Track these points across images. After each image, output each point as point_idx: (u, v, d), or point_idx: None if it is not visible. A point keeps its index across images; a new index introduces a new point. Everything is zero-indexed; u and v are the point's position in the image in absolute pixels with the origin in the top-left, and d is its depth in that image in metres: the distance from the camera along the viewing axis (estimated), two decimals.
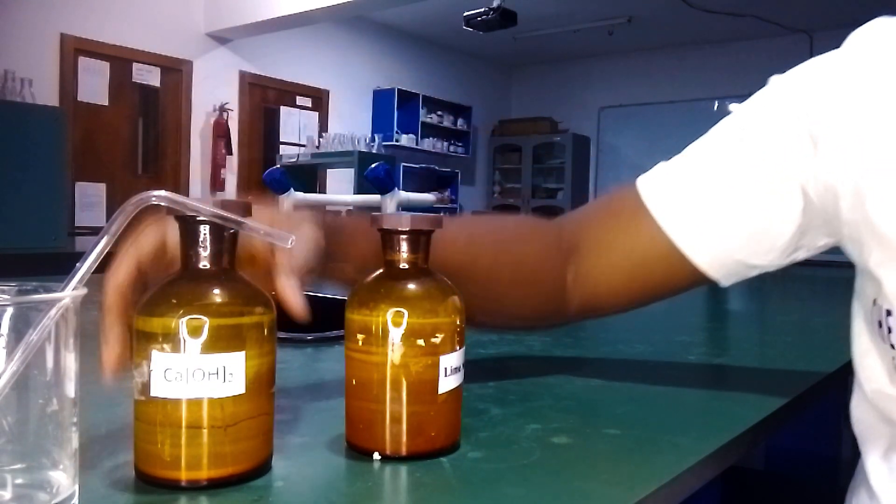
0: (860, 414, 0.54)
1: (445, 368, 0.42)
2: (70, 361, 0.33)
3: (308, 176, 4.73)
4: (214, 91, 5.91)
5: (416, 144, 7.50)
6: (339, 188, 5.97)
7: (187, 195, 0.37)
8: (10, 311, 0.30)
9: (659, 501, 0.40)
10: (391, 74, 7.39)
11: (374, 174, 2.71)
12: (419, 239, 0.44)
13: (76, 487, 0.33)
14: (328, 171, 6.09)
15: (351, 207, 3.26)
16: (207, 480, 0.37)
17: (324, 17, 5.56)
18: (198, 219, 0.38)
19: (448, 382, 0.42)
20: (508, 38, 7.03)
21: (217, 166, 5.98)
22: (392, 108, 7.30)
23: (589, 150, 8.36)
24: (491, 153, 8.76)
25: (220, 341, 0.36)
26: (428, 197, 3.30)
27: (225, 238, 0.39)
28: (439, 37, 7.56)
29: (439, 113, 7.90)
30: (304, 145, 6.00)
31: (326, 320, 0.70)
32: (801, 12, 6.29)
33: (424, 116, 7.65)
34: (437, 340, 0.42)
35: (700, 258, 0.58)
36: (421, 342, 0.41)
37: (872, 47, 0.51)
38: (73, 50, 5.08)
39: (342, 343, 0.44)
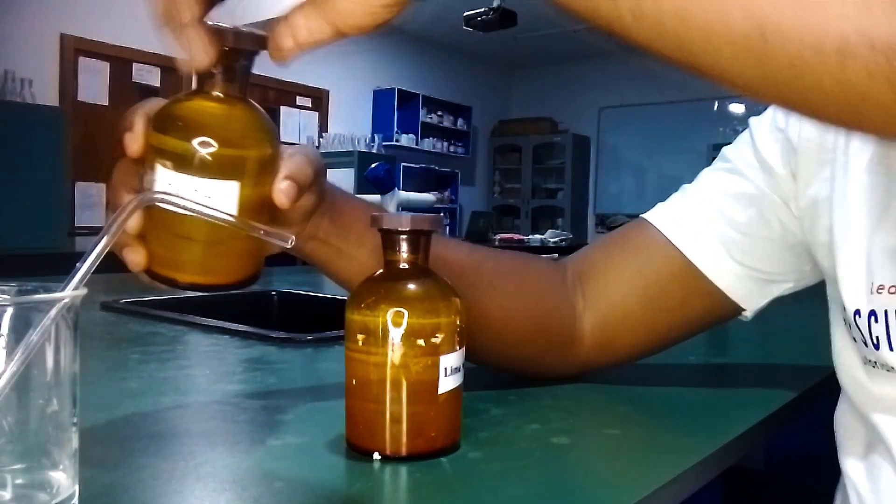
0: (841, 415, 0.56)
1: (445, 368, 0.42)
2: (70, 361, 0.33)
3: None
4: None
5: (416, 144, 7.50)
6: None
7: None
8: (10, 311, 0.30)
9: (659, 501, 0.40)
10: (391, 74, 7.38)
11: (374, 174, 2.71)
12: (419, 239, 0.44)
13: (76, 487, 0.33)
14: (328, 171, 6.07)
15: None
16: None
17: None
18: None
19: (448, 382, 0.42)
20: (508, 38, 7.02)
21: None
22: (392, 109, 7.29)
23: (589, 151, 8.35)
24: (491, 153, 8.75)
25: (215, 170, 0.39)
26: (428, 197, 3.30)
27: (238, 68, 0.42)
28: (439, 37, 7.56)
29: (439, 113, 7.89)
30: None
31: (326, 320, 0.70)
32: None
33: (424, 116, 7.64)
34: (437, 340, 0.42)
35: (716, 273, 0.58)
36: (421, 342, 0.41)
37: None
38: (73, 50, 5.08)
39: (342, 343, 0.44)
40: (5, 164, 2.90)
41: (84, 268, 0.33)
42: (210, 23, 0.39)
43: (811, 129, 0.54)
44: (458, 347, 0.43)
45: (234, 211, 0.40)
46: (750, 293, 0.59)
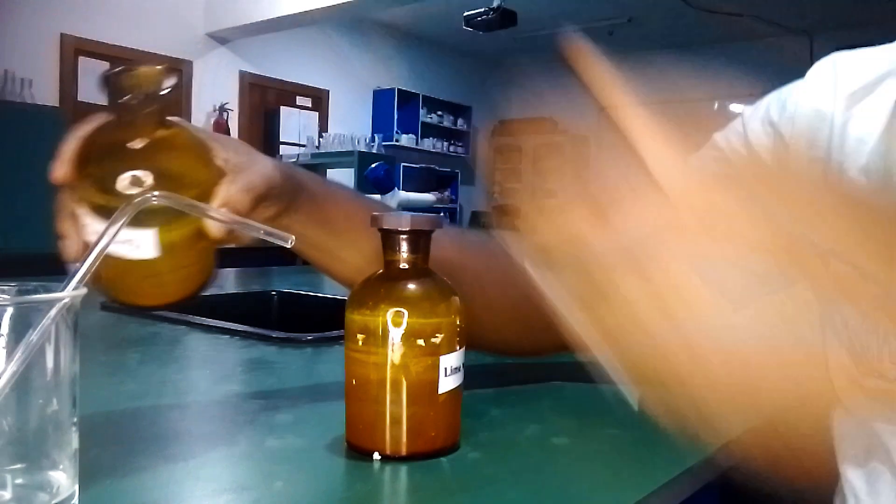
0: (837, 422, 0.55)
1: (445, 368, 0.42)
2: (70, 362, 0.33)
3: None
4: (214, 91, 5.90)
5: (416, 144, 7.49)
6: None
7: None
8: (10, 311, 0.30)
9: (658, 502, 0.40)
10: (391, 74, 7.38)
11: (374, 174, 2.72)
12: (419, 239, 0.44)
13: (76, 487, 0.33)
14: (328, 171, 6.09)
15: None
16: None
17: (324, 17, 5.56)
18: None
19: (448, 383, 0.42)
20: (508, 38, 7.03)
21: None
22: (392, 108, 7.29)
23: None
24: (491, 153, 8.75)
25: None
26: (428, 197, 3.30)
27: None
28: (439, 37, 7.56)
29: (439, 113, 7.89)
30: (304, 145, 6.00)
31: (326, 320, 0.69)
32: (801, 12, 6.29)
33: (424, 116, 7.64)
34: (437, 341, 0.42)
35: None
36: (421, 342, 0.41)
37: (828, 79, 0.54)
38: (73, 50, 5.08)
39: (342, 343, 0.44)
40: (5, 165, 2.90)
41: (84, 268, 0.33)
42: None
43: (803, 126, 0.54)
44: (458, 347, 0.43)
45: (157, 252, 0.41)
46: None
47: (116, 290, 0.45)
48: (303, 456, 0.43)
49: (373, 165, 2.74)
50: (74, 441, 0.33)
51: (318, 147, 5.42)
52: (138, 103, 0.40)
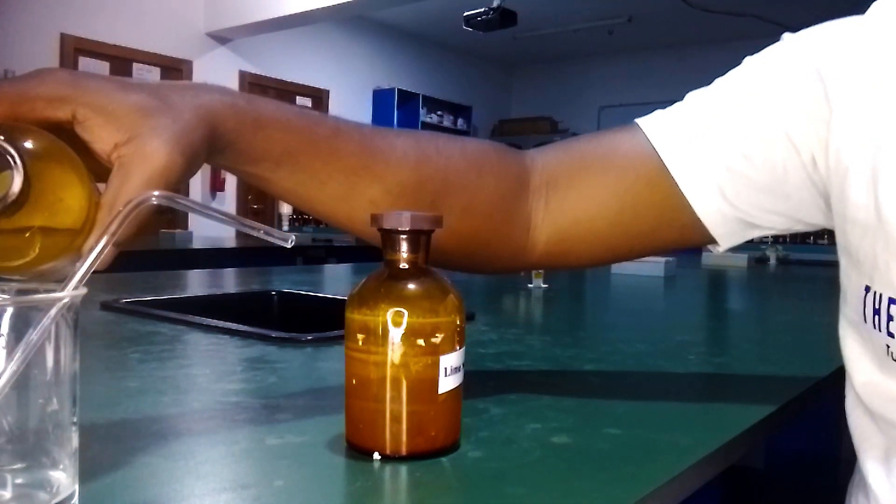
0: (855, 418, 0.53)
1: (445, 368, 0.42)
2: (70, 361, 0.33)
3: None
4: None
5: None
6: None
7: (187, 195, 0.37)
8: (10, 311, 0.31)
9: (659, 501, 0.40)
10: (391, 74, 7.39)
11: None
12: (419, 239, 0.44)
13: (76, 487, 0.33)
14: None
15: None
16: None
17: (324, 17, 5.56)
18: None
19: (448, 382, 0.42)
20: (508, 38, 7.03)
21: (217, 167, 5.97)
22: (392, 108, 7.30)
23: None
24: None
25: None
26: None
27: None
28: (439, 37, 7.56)
29: (439, 113, 7.89)
30: None
31: (326, 320, 0.69)
32: (801, 12, 6.28)
33: (424, 116, 7.64)
34: (437, 340, 0.42)
35: (705, 210, 0.53)
36: (421, 342, 0.41)
37: None
38: (73, 50, 5.08)
39: (342, 343, 0.44)
40: None
41: (84, 268, 0.33)
42: None
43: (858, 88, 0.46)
44: (458, 347, 0.43)
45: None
46: (732, 233, 0.54)
47: None
48: (303, 455, 0.43)
49: None
50: (75, 440, 0.33)
51: None
52: None
